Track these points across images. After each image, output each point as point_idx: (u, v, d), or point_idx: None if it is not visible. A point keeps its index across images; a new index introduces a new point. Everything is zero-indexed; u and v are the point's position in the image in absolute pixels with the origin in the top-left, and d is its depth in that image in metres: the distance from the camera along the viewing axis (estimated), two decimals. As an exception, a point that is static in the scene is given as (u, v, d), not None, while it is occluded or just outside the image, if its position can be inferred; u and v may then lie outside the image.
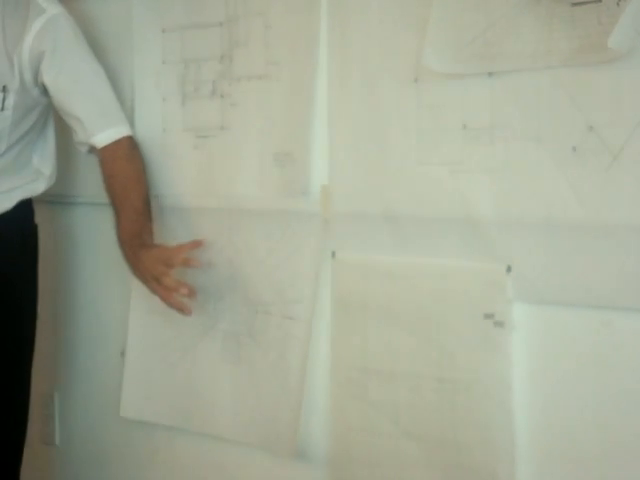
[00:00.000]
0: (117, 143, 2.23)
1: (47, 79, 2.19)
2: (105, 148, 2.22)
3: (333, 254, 2.01)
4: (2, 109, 2.16)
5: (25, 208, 2.31)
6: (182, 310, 2.06)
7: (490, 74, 1.74)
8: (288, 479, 2.15)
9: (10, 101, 2.17)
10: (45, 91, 2.22)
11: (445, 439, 1.85)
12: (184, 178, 2.28)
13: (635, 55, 1.55)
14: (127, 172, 2.22)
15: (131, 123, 2.29)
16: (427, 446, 1.87)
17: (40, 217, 2.39)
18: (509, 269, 1.75)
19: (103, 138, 2.21)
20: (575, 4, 1.61)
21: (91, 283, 2.57)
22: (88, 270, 2.57)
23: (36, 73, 2.18)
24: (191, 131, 2.26)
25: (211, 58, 2.21)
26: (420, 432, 1.88)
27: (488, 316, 1.77)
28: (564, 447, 1.74)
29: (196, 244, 2.13)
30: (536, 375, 1.75)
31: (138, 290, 2.29)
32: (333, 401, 2.03)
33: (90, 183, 2.42)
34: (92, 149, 2.25)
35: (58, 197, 2.43)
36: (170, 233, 2.27)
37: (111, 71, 2.29)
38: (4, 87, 2.16)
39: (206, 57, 2.22)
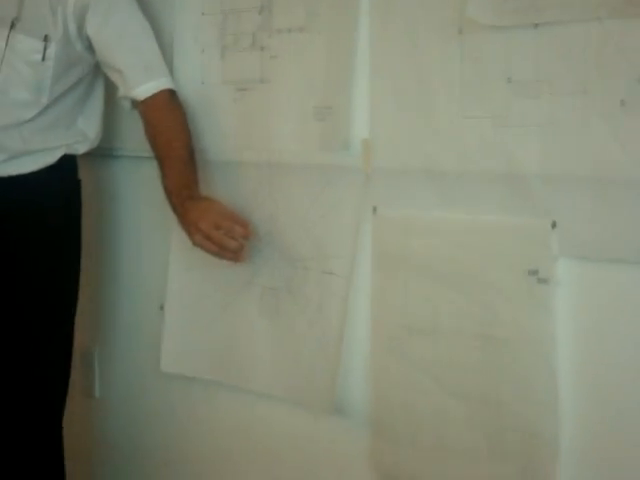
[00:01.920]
0: (158, 95, 2.22)
1: (91, 31, 2.18)
2: (147, 100, 2.21)
3: (374, 209, 2.00)
4: (43, 59, 2.16)
5: (68, 163, 2.32)
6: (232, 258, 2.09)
7: (536, 26, 1.71)
8: (327, 435, 2.16)
9: (52, 51, 2.16)
10: (90, 47, 2.22)
11: (488, 397, 1.84)
12: (223, 132, 2.26)
13: (688, 6, 1.51)
14: (170, 122, 2.22)
15: (171, 75, 2.27)
16: (470, 404, 1.86)
17: (82, 170, 2.38)
18: (554, 225, 1.72)
19: (145, 90, 2.21)
20: (625, -46, 1.57)
21: (131, 237, 2.58)
22: (129, 224, 2.58)
23: (81, 25, 2.17)
24: (230, 84, 2.24)
25: (251, 9, 2.18)
26: (463, 390, 1.87)
27: (532, 272, 1.75)
28: (609, 405, 1.72)
29: (244, 225, 2.12)
30: (581, 333, 1.74)
31: (177, 244, 2.31)
32: (373, 358, 2.02)
33: (131, 136, 2.41)
34: (135, 104, 2.24)
35: (100, 150, 2.42)
36: (210, 187, 2.26)
37: (152, 24, 2.27)
38: (46, 36, 2.15)
39: (246, 8, 2.19)
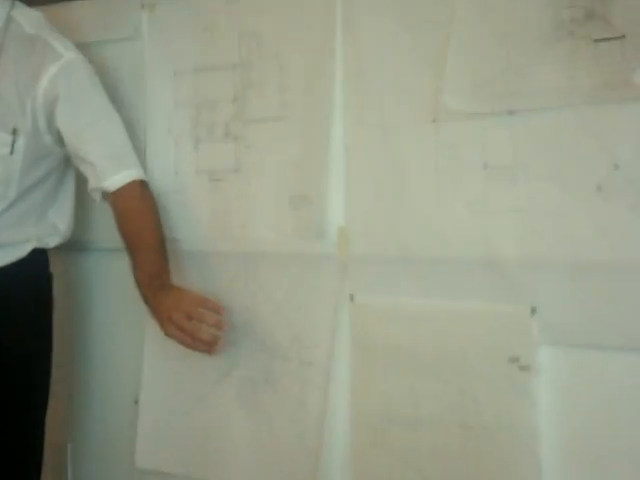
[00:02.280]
0: (129, 186, 2.20)
1: (61, 122, 2.17)
2: (117, 191, 2.19)
3: (351, 297, 1.98)
4: (11, 152, 2.14)
5: (39, 257, 2.29)
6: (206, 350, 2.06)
7: (511, 112, 1.72)
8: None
9: (20, 144, 2.14)
10: (59, 139, 2.20)
11: (471, 488, 1.80)
12: (198, 221, 2.25)
13: (661, 91, 1.53)
14: (140, 212, 2.20)
15: (143, 166, 2.26)
16: (452, 495, 1.83)
17: (54, 263, 2.36)
18: (534, 311, 1.71)
19: (115, 181, 2.18)
20: (597, 40, 1.59)
21: (105, 330, 2.53)
22: (102, 317, 2.54)
23: (50, 118, 2.16)
24: (204, 174, 2.23)
25: (224, 100, 2.19)
26: (444, 480, 1.84)
27: (513, 360, 1.74)
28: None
29: (217, 310, 2.08)
30: (564, 420, 1.72)
31: (151, 336, 2.27)
32: (354, 449, 1.99)
33: (103, 228, 2.39)
34: (105, 195, 2.22)
35: (72, 243, 2.40)
36: (184, 277, 2.23)
37: (124, 115, 2.27)
38: (14, 129, 2.14)
39: (219, 99, 2.20)
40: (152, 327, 2.18)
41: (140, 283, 2.13)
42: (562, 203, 1.67)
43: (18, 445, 2.24)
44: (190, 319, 2.04)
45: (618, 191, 1.60)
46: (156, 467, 2.35)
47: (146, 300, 2.13)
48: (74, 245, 2.42)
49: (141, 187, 2.21)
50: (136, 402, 2.38)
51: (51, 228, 2.30)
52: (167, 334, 2.07)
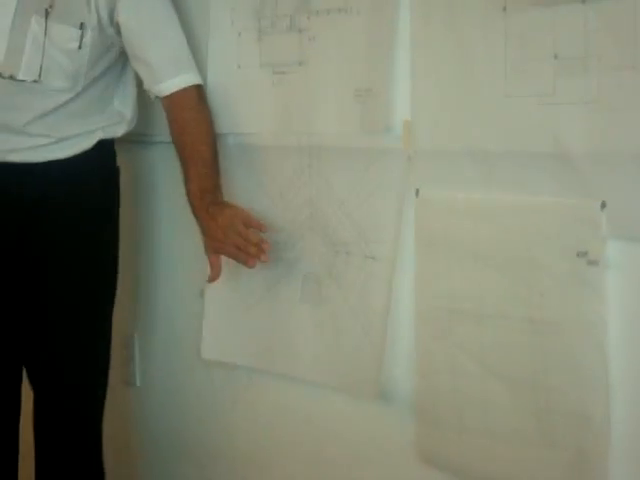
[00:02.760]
0: (186, 92, 2.20)
1: (121, 19, 2.16)
2: (173, 96, 2.18)
3: (417, 192, 1.96)
4: (80, 47, 2.13)
5: (106, 149, 2.30)
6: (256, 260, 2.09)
7: (583, 0, 1.66)
8: (371, 421, 2.13)
9: (88, 39, 2.14)
10: (120, 32, 2.19)
11: (535, 381, 1.80)
12: (262, 115, 2.24)
13: None
14: (197, 123, 2.20)
15: (206, 59, 2.24)
16: (516, 389, 1.83)
17: (120, 157, 2.37)
18: (604, 205, 1.68)
19: (171, 85, 2.18)
20: None
21: (170, 222, 2.56)
22: (167, 209, 2.56)
23: (112, 11, 2.15)
24: (268, 67, 2.21)
25: (288, -9, 2.15)
26: (509, 374, 1.84)
27: (581, 254, 1.71)
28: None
29: (261, 226, 2.13)
30: (631, 315, 1.70)
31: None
32: (417, 343, 1.99)
33: (165, 122, 2.38)
34: (159, 98, 2.21)
35: (137, 136, 2.41)
36: (247, 172, 2.24)
37: (186, 6, 2.24)
38: (82, 24, 2.13)
39: (284, -10, 2.16)
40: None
41: (192, 196, 2.15)
42: (634, 95, 1.62)
43: (88, 338, 2.30)
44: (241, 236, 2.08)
45: (694, 81, 1.55)
46: (221, 358, 2.40)
47: (197, 213, 2.16)
48: (138, 138, 2.43)
49: (198, 95, 2.21)
50: (202, 294, 2.41)
51: (117, 116, 2.31)
52: (221, 252, 2.14)
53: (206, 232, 2.17)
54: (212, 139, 2.21)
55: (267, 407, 2.36)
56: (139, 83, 2.32)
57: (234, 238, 2.09)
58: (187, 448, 2.59)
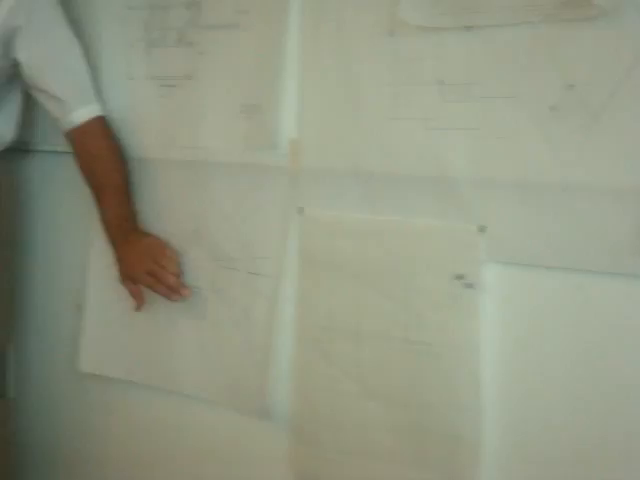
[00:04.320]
0: (94, 121, 2.17)
1: (21, 56, 2.12)
2: (81, 126, 2.15)
3: (301, 210, 1.96)
4: None
5: None
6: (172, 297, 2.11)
7: (468, 28, 1.69)
8: (251, 438, 2.11)
9: None
10: (12, 65, 2.14)
11: (411, 400, 1.82)
12: (149, 128, 2.21)
13: (619, 12, 1.51)
14: (108, 151, 2.18)
15: (98, 71, 2.21)
16: (392, 407, 1.84)
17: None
18: (482, 229, 1.71)
19: (81, 115, 2.15)
20: (558, -42, 1.56)
21: (47, 235, 2.51)
22: (47, 220, 2.51)
23: (7, 47, 2.11)
24: (156, 79, 2.19)
25: (178, 5, 2.14)
26: (385, 393, 1.85)
27: (459, 277, 1.73)
28: (531, 409, 1.72)
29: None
30: (505, 338, 1.73)
31: (99, 241, 2.24)
32: (297, 360, 1.99)
33: (45, 131, 2.34)
34: (66, 130, 2.18)
35: (17, 144, 2.35)
36: (134, 185, 2.20)
37: (77, 18, 2.21)
38: None
39: (173, 4, 2.15)
40: (99, 232, 2.16)
41: (108, 224, 2.15)
42: (515, 122, 1.65)
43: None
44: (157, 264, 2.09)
45: (571, 112, 1.58)
46: (99, 372, 2.35)
47: (114, 240, 2.15)
48: (17, 147, 2.37)
49: (104, 123, 2.18)
50: (79, 306, 2.36)
51: None
52: (136, 280, 2.13)
53: (122, 259, 2.15)
54: (124, 166, 2.19)
55: (144, 421, 2.32)
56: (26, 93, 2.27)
57: (151, 266, 2.09)
58: (62, 461, 2.53)
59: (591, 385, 1.64)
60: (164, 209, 2.17)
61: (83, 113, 2.16)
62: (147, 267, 2.10)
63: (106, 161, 2.16)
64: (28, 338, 2.58)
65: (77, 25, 2.22)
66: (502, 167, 1.67)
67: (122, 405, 2.38)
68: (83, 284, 2.35)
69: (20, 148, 2.42)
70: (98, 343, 2.34)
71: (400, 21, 1.76)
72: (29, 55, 2.12)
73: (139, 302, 2.17)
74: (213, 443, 2.20)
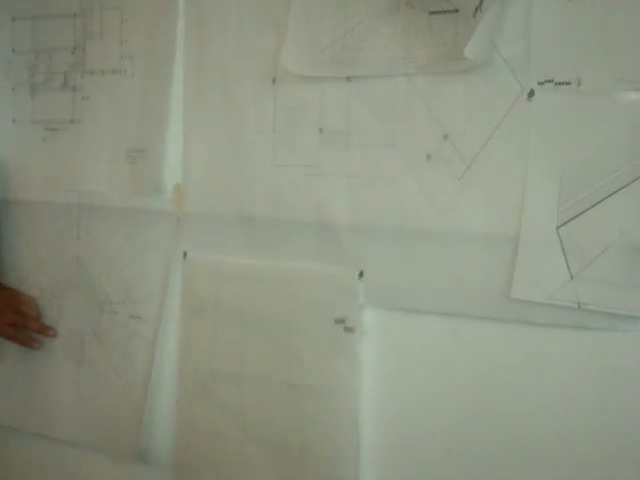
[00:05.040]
0: None
1: None
2: None
3: (185, 254, 1.96)
4: None
5: None
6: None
7: (348, 78, 1.72)
8: (129, 482, 2.09)
9: None
10: None
11: (291, 444, 1.82)
12: (33, 172, 2.19)
13: (489, 66, 1.56)
14: None
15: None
16: (273, 451, 1.84)
17: None
18: (361, 274, 1.73)
19: None
20: (433, 12, 1.61)
21: None
22: None
23: None
24: (41, 123, 2.17)
25: (63, 49, 2.13)
26: (266, 437, 1.85)
27: (339, 321, 1.75)
28: (409, 454, 1.73)
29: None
30: (385, 381, 1.74)
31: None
32: (179, 404, 1.98)
33: None
34: None
35: None
36: (17, 228, 2.18)
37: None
38: None
39: (58, 48, 2.14)
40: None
41: None
42: (393, 170, 1.69)
43: None
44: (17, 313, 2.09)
45: (446, 161, 1.62)
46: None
47: None
48: None
49: None
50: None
51: None
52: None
53: None
54: None
55: (25, 468, 2.27)
56: None
57: (11, 317, 2.09)
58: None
59: (466, 428, 1.67)
60: (47, 252, 2.14)
61: None
62: (8, 319, 2.10)
63: None
64: None
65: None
66: (380, 214, 1.70)
67: (2, 452, 2.32)
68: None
69: None
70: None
71: (282, 70, 1.78)
72: None
73: (30, 344, 2.14)
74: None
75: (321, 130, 1.77)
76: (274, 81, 1.82)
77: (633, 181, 1.45)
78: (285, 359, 1.82)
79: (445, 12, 1.59)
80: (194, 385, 1.94)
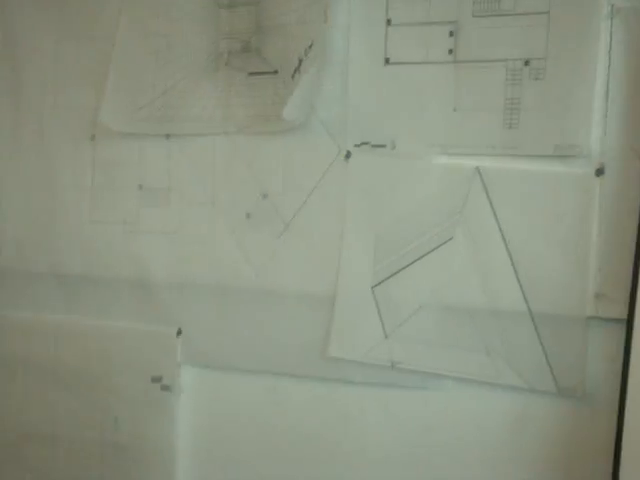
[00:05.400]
0: None
1: None
2: None
3: (-2, 312, 1.89)
4: None
5: None
6: None
7: (168, 136, 1.71)
8: None
9: None
10: None
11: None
12: None
13: (308, 127, 1.58)
14: None
15: None
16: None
17: None
18: (179, 332, 1.71)
19: None
20: (252, 73, 1.62)
21: None
22: None
23: None
24: None
25: None
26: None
27: (156, 379, 1.72)
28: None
29: None
30: (202, 439, 1.73)
31: None
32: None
33: None
34: None
35: None
36: None
37: None
38: None
39: None
40: None
41: None
42: (212, 228, 1.68)
43: None
44: None
45: (265, 220, 1.63)
46: None
47: None
48: None
49: None
50: None
51: None
52: None
53: None
54: None
55: None
56: None
57: None
58: None
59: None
60: None
61: None
62: None
63: None
64: None
65: None
66: (199, 272, 1.69)
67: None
68: None
69: None
70: None
71: (101, 126, 1.75)
72: None
73: None
74: None
75: (140, 187, 1.75)
76: (93, 138, 1.78)
77: (444, 242, 1.49)
78: (99, 418, 1.78)
79: (264, 73, 1.61)
80: (5, 446, 1.86)
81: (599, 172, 1.41)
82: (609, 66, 1.40)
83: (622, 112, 1.40)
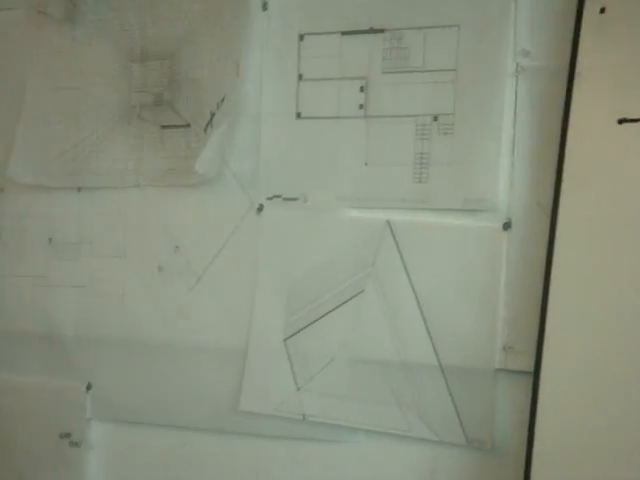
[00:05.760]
0: None
1: None
2: None
3: None
4: None
5: None
6: None
7: (79, 189, 1.69)
8: None
9: None
10: None
11: None
12: None
13: (220, 180, 1.57)
14: None
15: None
16: None
17: None
18: (89, 387, 1.68)
19: None
20: (165, 127, 1.61)
21: None
22: None
23: None
24: None
25: None
26: None
27: (64, 436, 1.68)
28: None
29: None
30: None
31: None
32: None
33: None
34: None
35: None
36: None
37: None
38: None
39: None
40: None
41: None
42: (123, 281, 1.66)
43: None
44: None
45: (177, 272, 1.61)
46: None
47: None
48: None
49: None
50: None
51: None
52: None
53: None
54: None
55: None
56: None
57: None
58: None
59: None
60: None
61: None
62: None
63: None
64: None
65: None
66: (109, 325, 1.66)
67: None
68: None
69: None
70: None
71: (9, 179, 1.72)
72: None
73: None
74: None
75: (50, 240, 1.72)
76: (2, 190, 1.75)
77: (355, 295, 1.49)
78: (3, 476, 1.72)
79: (177, 127, 1.60)
80: None
81: (506, 226, 1.43)
82: (515, 122, 1.42)
83: (528, 167, 1.42)
